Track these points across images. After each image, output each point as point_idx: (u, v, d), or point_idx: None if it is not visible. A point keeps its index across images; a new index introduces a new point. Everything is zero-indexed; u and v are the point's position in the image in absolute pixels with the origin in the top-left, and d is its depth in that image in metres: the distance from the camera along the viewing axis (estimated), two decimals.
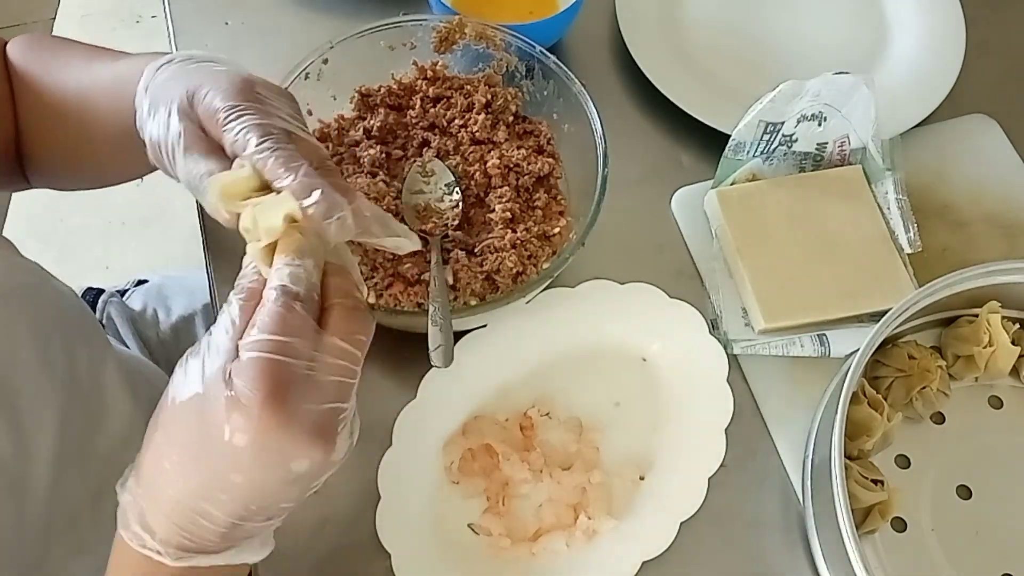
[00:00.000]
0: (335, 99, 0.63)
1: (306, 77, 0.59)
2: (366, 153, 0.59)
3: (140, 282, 0.88)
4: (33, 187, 0.56)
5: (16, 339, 0.48)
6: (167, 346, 0.78)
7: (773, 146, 0.63)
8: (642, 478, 0.56)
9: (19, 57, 0.54)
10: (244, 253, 0.41)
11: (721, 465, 0.55)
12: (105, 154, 0.52)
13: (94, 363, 0.58)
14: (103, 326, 0.79)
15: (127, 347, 0.78)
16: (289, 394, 0.34)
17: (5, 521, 0.46)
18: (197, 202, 0.47)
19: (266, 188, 0.40)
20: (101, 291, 0.83)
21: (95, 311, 0.81)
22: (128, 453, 0.49)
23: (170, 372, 0.38)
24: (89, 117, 0.50)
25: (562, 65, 0.59)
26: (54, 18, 1.94)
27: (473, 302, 0.55)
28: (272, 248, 0.38)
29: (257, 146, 0.39)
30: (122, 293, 0.85)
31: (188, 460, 0.36)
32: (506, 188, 0.59)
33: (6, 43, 0.56)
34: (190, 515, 0.36)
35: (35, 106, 0.53)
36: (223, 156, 0.41)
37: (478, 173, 0.60)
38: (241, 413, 0.34)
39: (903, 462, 0.57)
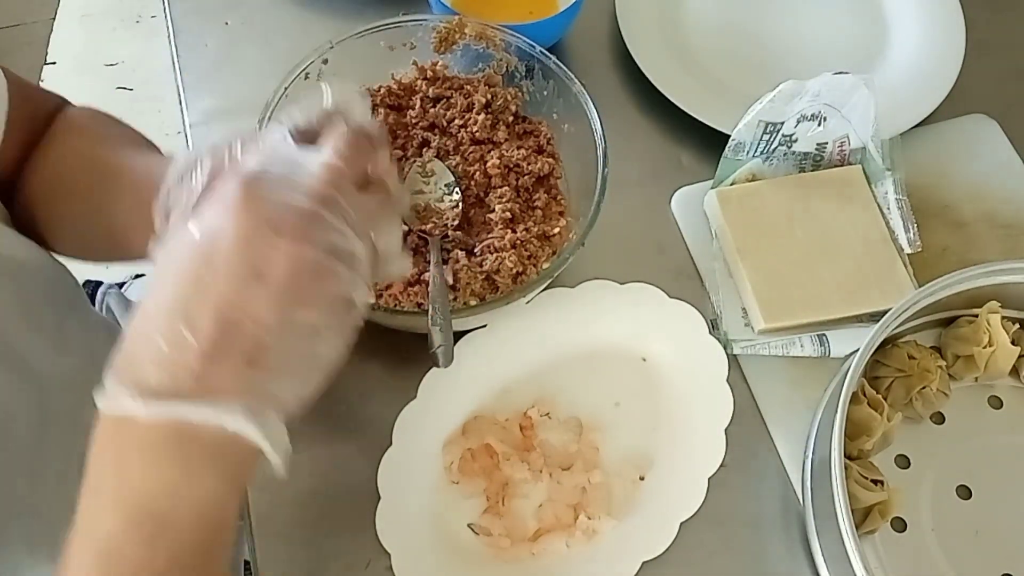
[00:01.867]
0: None
1: (306, 77, 0.59)
2: None
3: (138, 276, 0.89)
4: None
5: (5, 306, 0.48)
6: None
7: (773, 146, 0.63)
8: (642, 478, 0.56)
9: (80, 125, 0.55)
10: None
11: (721, 465, 0.55)
12: (120, 228, 0.51)
13: (86, 335, 0.58)
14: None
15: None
16: (262, 184, 0.34)
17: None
18: None
19: None
20: (100, 283, 0.83)
21: (93, 302, 0.81)
22: None
23: None
24: (120, 191, 0.50)
25: (562, 65, 0.59)
26: (54, 18, 1.94)
27: (473, 302, 0.55)
28: None
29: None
30: (120, 285, 0.86)
31: (161, 277, 0.34)
32: (506, 188, 0.59)
33: (63, 103, 0.57)
34: (161, 341, 0.33)
35: (72, 169, 0.53)
36: None
37: (478, 173, 0.60)
38: (212, 201, 0.34)
39: (903, 462, 0.57)
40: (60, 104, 0.57)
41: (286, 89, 0.57)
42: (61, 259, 0.56)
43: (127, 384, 0.33)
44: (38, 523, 0.49)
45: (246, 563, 0.65)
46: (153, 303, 0.34)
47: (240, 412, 0.33)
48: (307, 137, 0.39)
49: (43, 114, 0.55)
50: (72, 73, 1.84)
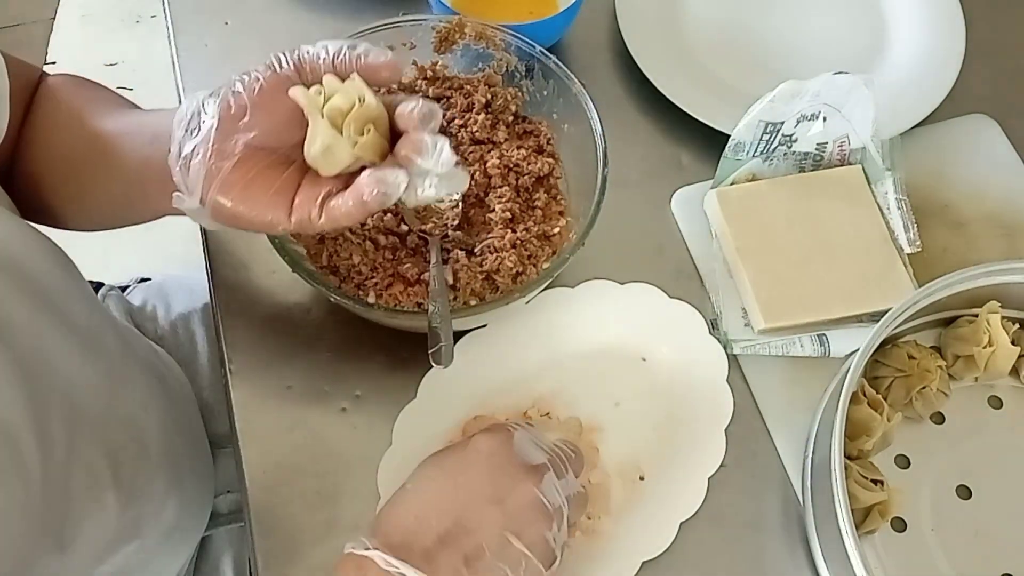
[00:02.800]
0: None
1: None
2: None
3: (143, 280, 0.88)
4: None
5: (23, 301, 0.48)
6: (164, 342, 0.79)
7: (773, 146, 0.63)
8: (642, 478, 0.56)
9: (62, 94, 0.55)
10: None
11: (721, 465, 0.55)
12: (120, 195, 0.53)
13: (114, 333, 0.58)
14: None
15: None
16: (522, 434, 0.48)
17: (31, 476, 0.46)
18: None
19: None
20: (101, 284, 0.83)
21: None
22: (148, 417, 0.54)
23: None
24: (118, 155, 0.51)
25: (562, 65, 0.59)
26: (54, 18, 1.94)
27: (473, 302, 0.55)
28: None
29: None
30: (123, 289, 0.85)
31: (437, 471, 0.47)
32: (506, 188, 0.59)
33: (42, 75, 0.57)
34: (411, 519, 0.44)
35: (65, 142, 0.53)
36: None
37: (478, 173, 0.60)
38: (486, 435, 0.47)
39: (903, 462, 0.57)
40: (41, 74, 0.57)
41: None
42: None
43: (377, 535, 0.44)
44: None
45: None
46: (419, 490, 0.46)
47: None
48: None
49: (32, 86, 0.55)
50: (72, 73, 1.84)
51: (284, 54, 0.45)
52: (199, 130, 0.45)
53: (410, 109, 0.43)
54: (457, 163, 0.44)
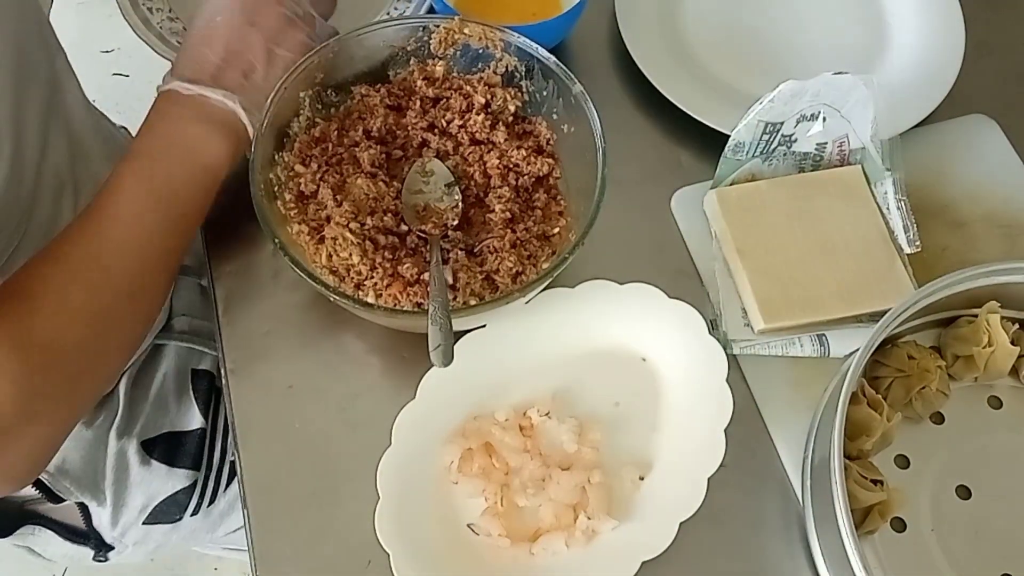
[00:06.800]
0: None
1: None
2: (365, 153, 0.59)
3: None
4: None
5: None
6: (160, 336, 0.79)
7: (773, 146, 0.63)
8: (642, 478, 0.56)
9: None
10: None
11: (721, 465, 0.54)
12: None
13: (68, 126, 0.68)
14: None
15: None
16: None
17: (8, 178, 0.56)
18: None
19: None
20: None
21: None
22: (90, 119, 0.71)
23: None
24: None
25: (562, 65, 0.59)
26: (50, 5, 1.93)
27: (473, 302, 0.55)
28: None
29: None
30: None
31: (197, 24, 0.58)
32: (505, 188, 0.59)
33: None
34: (194, 54, 0.57)
35: None
36: None
37: (477, 173, 0.60)
38: None
39: (903, 462, 0.57)
40: None
41: (285, 88, 0.57)
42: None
43: (175, 76, 0.57)
44: None
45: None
46: (192, 40, 0.58)
47: (237, 100, 0.57)
48: None
49: None
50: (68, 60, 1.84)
51: None
52: None
53: None
54: None
